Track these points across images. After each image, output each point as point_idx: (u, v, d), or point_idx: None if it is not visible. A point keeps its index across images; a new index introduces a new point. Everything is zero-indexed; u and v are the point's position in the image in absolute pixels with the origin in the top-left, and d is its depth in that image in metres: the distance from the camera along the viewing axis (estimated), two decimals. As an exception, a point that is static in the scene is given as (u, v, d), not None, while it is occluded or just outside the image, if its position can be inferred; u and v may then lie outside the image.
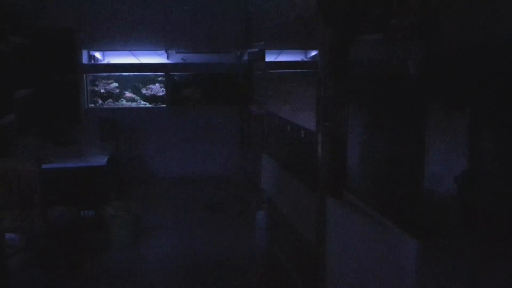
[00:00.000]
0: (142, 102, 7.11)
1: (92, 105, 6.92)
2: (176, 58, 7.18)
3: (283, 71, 4.12)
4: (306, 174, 3.24)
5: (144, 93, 7.15)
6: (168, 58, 7.16)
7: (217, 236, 4.73)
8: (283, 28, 3.96)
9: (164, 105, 7.01)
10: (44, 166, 4.01)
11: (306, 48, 3.62)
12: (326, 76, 2.88)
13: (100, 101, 6.98)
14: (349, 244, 2.47)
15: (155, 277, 3.91)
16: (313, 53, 3.59)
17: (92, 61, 7.03)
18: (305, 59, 3.82)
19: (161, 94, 7.11)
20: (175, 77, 7.12)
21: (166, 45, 6.96)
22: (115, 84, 7.11)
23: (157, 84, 7.18)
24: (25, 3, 6.06)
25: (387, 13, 2.42)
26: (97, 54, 7.11)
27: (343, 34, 2.83)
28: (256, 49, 5.70)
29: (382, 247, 2.16)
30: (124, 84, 7.15)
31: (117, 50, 6.94)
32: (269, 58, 4.44)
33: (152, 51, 7.00)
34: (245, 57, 6.93)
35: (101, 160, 4.80)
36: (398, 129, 2.17)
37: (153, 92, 7.15)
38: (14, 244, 4.08)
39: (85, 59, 6.80)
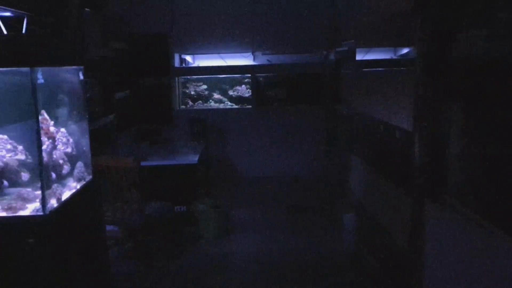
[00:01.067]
0: (229, 103, 7.30)
1: (183, 106, 7.23)
2: (262, 59, 7.29)
3: (374, 69, 4.02)
4: (400, 176, 3.14)
5: (231, 95, 7.34)
6: (254, 60, 7.28)
7: (302, 236, 4.73)
8: (374, 26, 3.87)
9: (250, 106, 7.14)
10: (142, 163, 4.25)
11: (399, 45, 3.51)
12: (423, 74, 2.77)
13: (190, 103, 7.28)
14: (450, 250, 2.35)
15: (241, 272, 3.99)
16: (405, 50, 3.48)
17: (184, 65, 7.34)
18: (394, 57, 3.70)
19: (247, 95, 7.26)
20: (261, 78, 7.23)
21: (252, 47, 7.09)
22: (204, 86, 7.37)
23: (243, 86, 7.34)
24: (124, 10, 6.47)
25: (493, 6, 2.28)
26: (188, 58, 7.41)
27: (442, 30, 2.71)
28: (344, 48, 5.62)
29: (487, 255, 2.03)
30: (213, 86, 7.39)
31: (206, 54, 7.19)
32: (357, 56, 4.36)
33: (239, 54, 7.16)
34: (332, 57, 6.85)
35: (193, 158, 4.99)
36: (504, 129, 2.03)
37: (239, 93, 7.32)
38: (114, 235, 4.37)
39: (177, 63, 7.12)
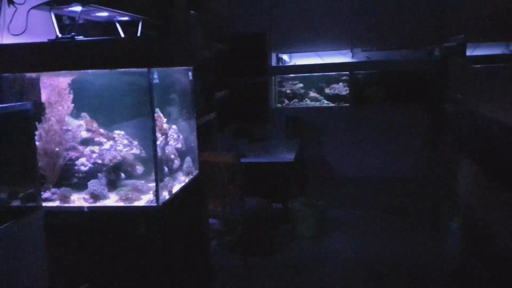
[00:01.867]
0: (325, 101, 7.24)
1: (279, 105, 7.30)
2: (361, 56, 7.13)
3: (487, 65, 3.76)
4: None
5: (328, 93, 7.28)
6: (352, 57, 7.15)
7: (401, 240, 4.56)
8: (489, 20, 3.61)
9: (347, 105, 7.02)
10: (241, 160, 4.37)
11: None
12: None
13: (286, 101, 7.33)
14: None
15: (336, 272, 3.95)
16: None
17: (280, 63, 7.42)
18: (507, 52, 3.43)
19: (344, 93, 7.15)
20: (359, 76, 7.08)
21: (351, 44, 6.96)
22: (300, 85, 7.38)
23: (340, 84, 7.24)
24: (224, 11, 6.69)
25: None
26: (285, 56, 7.47)
27: None
28: (453, 43, 5.31)
29: None
30: (309, 84, 7.37)
31: (303, 52, 7.19)
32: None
33: (337, 51, 7.07)
34: (437, 52, 6.51)
35: (289, 156, 5.03)
36: None
37: (336, 91, 7.23)
38: (214, 228, 4.55)
39: (273, 62, 7.21)
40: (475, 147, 3.89)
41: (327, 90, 7.29)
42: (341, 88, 7.20)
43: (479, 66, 3.93)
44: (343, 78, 7.18)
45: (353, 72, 6.97)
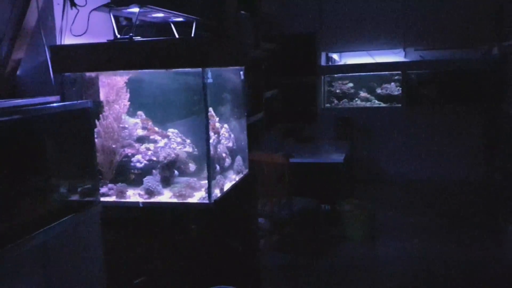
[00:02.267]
0: (376, 101, 7.11)
1: (328, 105, 7.23)
2: (414, 55, 6.94)
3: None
4: None
5: (379, 93, 7.13)
6: (405, 56, 6.97)
7: (454, 245, 4.40)
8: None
9: (399, 105, 6.86)
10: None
11: None
12: None
13: (335, 101, 7.25)
14: None
15: (387, 276, 3.87)
16: None
17: (330, 63, 7.35)
18: None
19: (396, 93, 6.98)
20: (413, 76, 6.89)
21: (404, 43, 6.80)
22: (350, 84, 7.28)
23: (392, 83, 7.08)
24: (275, 11, 6.70)
25: None
26: (335, 56, 7.39)
27: None
28: (512, 42, 5.08)
29: None
30: (359, 84, 7.26)
31: (354, 51, 7.09)
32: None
33: (389, 50, 6.92)
34: (494, 52, 6.25)
35: (338, 157, 4.97)
36: None
37: (388, 91, 7.08)
38: (262, 227, 4.56)
39: (323, 61, 7.15)
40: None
41: (378, 90, 7.15)
42: (393, 88, 7.04)
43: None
44: (395, 77, 7.01)
45: (406, 71, 6.79)
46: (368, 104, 7.10)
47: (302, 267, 4.07)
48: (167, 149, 2.62)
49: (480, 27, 6.28)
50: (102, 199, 2.31)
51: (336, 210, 4.76)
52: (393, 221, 5.13)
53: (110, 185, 2.55)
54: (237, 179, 2.80)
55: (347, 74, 7.24)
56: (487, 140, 6.27)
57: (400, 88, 6.89)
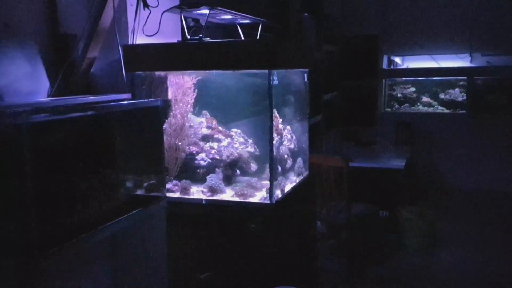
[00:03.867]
0: (439, 107, 6.87)
1: (389, 109, 7.07)
2: (480, 61, 6.65)
3: None
4: None
5: (442, 98, 6.89)
6: (471, 61, 6.70)
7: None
8: None
9: (463, 111, 6.59)
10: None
11: None
12: None
13: (396, 105, 7.08)
14: None
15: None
16: None
17: (392, 66, 7.18)
18: None
19: (460, 99, 6.72)
20: (479, 82, 6.60)
21: (470, 48, 6.53)
22: (412, 89, 7.08)
23: (456, 89, 6.82)
24: (337, 13, 6.63)
25: None
26: (397, 59, 7.22)
27: None
28: None
29: None
30: (422, 88, 7.04)
31: (417, 55, 6.89)
32: None
33: (454, 54, 6.67)
34: None
35: (400, 163, 4.85)
36: None
37: (452, 97, 6.82)
38: (319, 231, 4.53)
39: (385, 64, 7.00)
40: None
41: (441, 96, 6.91)
42: (457, 94, 6.78)
43: None
44: (460, 83, 6.75)
45: (472, 77, 6.51)
46: (430, 110, 6.87)
47: (357, 273, 4.00)
48: (230, 149, 2.67)
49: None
50: (167, 194, 2.38)
51: (395, 217, 4.64)
52: (453, 230, 4.94)
53: (174, 182, 2.63)
54: (297, 180, 2.80)
55: (409, 78, 7.05)
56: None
57: (465, 94, 6.61)
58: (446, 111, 6.76)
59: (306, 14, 4.98)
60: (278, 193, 2.49)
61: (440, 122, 6.63)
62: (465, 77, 6.57)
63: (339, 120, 6.74)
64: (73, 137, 1.79)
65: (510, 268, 4.04)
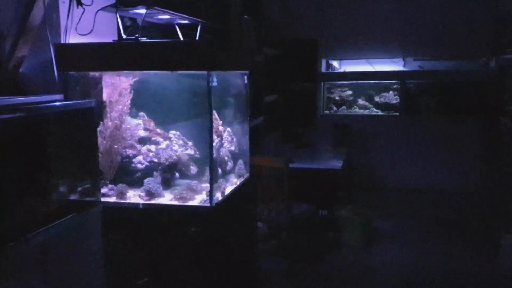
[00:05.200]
0: (375, 109, 7.13)
1: (327, 111, 7.25)
2: (413, 65, 6.99)
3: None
4: None
5: (377, 101, 7.16)
6: (404, 65, 7.02)
7: (451, 254, 4.41)
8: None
9: (397, 114, 6.89)
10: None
11: None
12: None
13: (334, 108, 7.27)
14: None
15: (382, 284, 3.87)
16: None
17: (330, 70, 7.37)
18: None
19: (394, 102, 7.02)
20: (411, 85, 6.93)
21: (403, 53, 6.84)
22: (350, 92, 7.30)
23: (390, 92, 7.11)
24: (277, 16, 6.72)
25: None
26: (335, 63, 7.42)
27: None
28: (511, 56, 5.12)
29: None
30: (358, 91, 7.29)
31: (353, 59, 7.12)
32: None
33: (388, 59, 6.96)
34: (492, 64, 6.30)
35: (337, 163, 4.98)
36: None
37: (386, 100, 7.11)
38: (260, 232, 4.55)
39: (323, 68, 7.17)
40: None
41: (376, 98, 7.18)
42: (391, 97, 7.07)
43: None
44: (394, 86, 7.05)
45: (405, 81, 6.83)
46: (366, 112, 7.12)
47: (298, 272, 4.06)
48: (168, 151, 2.62)
49: (479, 39, 6.35)
50: (102, 199, 2.30)
51: (333, 216, 4.76)
52: (390, 228, 5.14)
53: (110, 186, 2.54)
54: (238, 183, 2.79)
55: (346, 82, 7.27)
56: (484, 151, 6.30)
57: (398, 97, 6.92)
58: (380, 113, 7.03)
59: (246, 16, 5.00)
60: (218, 196, 2.47)
61: (376, 124, 6.89)
62: (399, 81, 6.87)
63: (280, 122, 6.83)
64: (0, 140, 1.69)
65: (443, 263, 4.24)
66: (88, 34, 2.57)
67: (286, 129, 6.90)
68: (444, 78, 6.72)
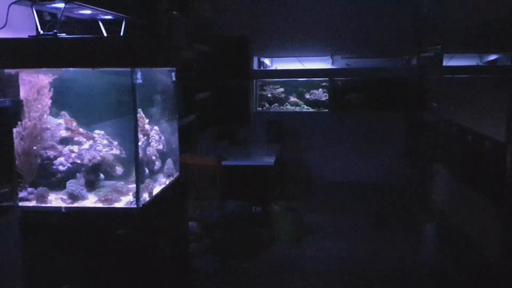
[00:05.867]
0: (305, 106, 7.30)
1: (260, 108, 7.32)
2: (340, 63, 7.21)
3: (462, 76, 3.85)
4: (490, 187, 2.98)
5: (308, 98, 7.33)
6: (332, 63, 7.23)
7: (378, 244, 4.62)
8: (465, 31, 3.70)
9: (326, 110, 7.09)
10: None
11: (491, 52, 3.34)
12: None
13: (267, 105, 7.36)
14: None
15: (315, 276, 3.98)
16: (492, 57, 3.31)
17: (262, 67, 7.44)
18: (480, 64, 3.53)
19: (324, 99, 7.21)
20: (339, 82, 7.16)
21: (331, 51, 7.05)
22: (281, 89, 7.42)
23: (320, 89, 7.30)
24: (207, 13, 6.68)
25: None
26: (266, 61, 7.50)
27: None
28: (430, 53, 5.42)
29: None
30: (290, 89, 7.42)
31: (284, 57, 7.23)
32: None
33: (318, 57, 7.14)
34: (414, 62, 6.64)
35: (269, 160, 5.04)
36: None
37: (316, 97, 7.29)
38: (193, 231, 4.52)
39: (255, 65, 7.23)
40: (449, 155, 3.98)
41: (307, 96, 7.35)
42: (320, 94, 7.26)
43: (454, 76, 4.02)
44: (323, 84, 7.25)
45: (333, 78, 7.05)
46: (297, 109, 7.27)
47: (233, 269, 4.07)
48: (92, 152, 2.52)
49: (401, 38, 6.68)
50: (21, 204, 2.18)
51: (267, 212, 4.81)
52: (322, 221, 5.28)
53: (30, 189, 2.41)
54: (167, 182, 2.75)
55: (278, 79, 7.38)
56: (407, 145, 6.65)
57: (327, 94, 7.13)
58: (311, 110, 7.21)
59: (175, 12, 4.93)
60: (145, 197, 2.42)
61: (307, 120, 7.05)
62: (327, 78, 7.07)
63: (214, 119, 6.80)
64: None
65: (373, 254, 4.42)
66: (1, 29, 2.41)
67: (220, 126, 6.88)
68: (370, 75, 7.01)
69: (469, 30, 3.61)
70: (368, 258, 4.32)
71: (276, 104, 7.35)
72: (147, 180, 2.49)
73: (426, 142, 5.42)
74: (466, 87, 3.70)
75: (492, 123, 2.98)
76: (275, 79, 7.38)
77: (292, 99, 7.37)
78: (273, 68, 7.54)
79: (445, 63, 4.21)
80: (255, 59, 7.22)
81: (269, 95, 7.40)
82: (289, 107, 7.32)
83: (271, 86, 7.44)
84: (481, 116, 3.22)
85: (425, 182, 4.94)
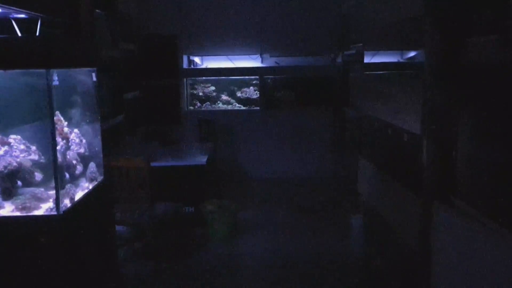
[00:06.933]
0: (237, 104, 7.34)
1: (191, 107, 7.27)
2: (270, 61, 7.32)
3: (382, 72, 4.04)
4: (408, 178, 3.16)
5: (239, 96, 7.38)
6: (262, 62, 7.32)
7: (310, 238, 4.75)
8: (384, 30, 3.89)
9: (257, 108, 7.17)
10: (151, 163, 4.28)
11: (406, 48, 3.53)
12: (433, 78, 2.79)
13: (198, 104, 7.32)
14: (459, 251, 2.37)
15: (249, 273, 4.02)
16: (411, 54, 3.50)
17: (192, 66, 7.38)
18: (401, 60, 3.73)
19: (255, 97, 7.29)
20: (269, 80, 7.26)
21: (260, 49, 7.13)
22: (212, 88, 7.41)
23: (251, 87, 7.37)
24: (134, 11, 6.52)
25: (503, 13, 2.30)
26: (197, 59, 7.45)
27: (452, 35, 2.73)
28: (352, 51, 5.64)
29: (497, 256, 2.05)
30: (221, 87, 7.43)
31: (214, 55, 7.22)
32: (364, 59, 4.40)
33: (247, 56, 7.20)
34: (339, 59, 6.88)
35: (201, 159, 5.02)
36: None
37: (247, 95, 7.36)
38: (123, 235, 4.41)
39: (185, 64, 7.16)
40: (372, 148, 4.17)
41: (238, 94, 7.39)
42: (251, 92, 7.33)
43: (374, 72, 4.21)
44: (254, 82, 7.32)
45: (263, 76, 7.14)
46: (229, 107, 7.30)
47: (166, 272, 4.02)
48: (7, 158, 2.39)
49: (326, 37, 6.89)
50: None
51: (200, 212, 4.79)
52: (255, 218, 5.34)
53: None
54: (90, 187, 2.66)
55: (209, 78, 7.35)
56: (334, 139, 6.89)
57: (258, 92, 7.22)
58: (243, 108, 7.26)
59: (98, 10, 4.77)
60: (67, 203, 2.33)
61: (238, 118, 7.10)
62: (257, 76, 7.16)
63: (143, 119, 6.66)
64: None
65: (303, 246, 4.53)
66: None
67: (150, 126, 6.76)
68: (298, 73, 7.18)
69: (387, 28, 3.79)
70: (297, 252, 4.42)
71: (208, 102, 7.33)
72: (67, 186, 2.40)
73: (350, 137, 5.64)
74: (386, 83, 3.89)
75: (410, 118, 3.15)
76: (206, 78, 7.36)
77: (224, 97, 7.39)
78: (203, 66, 7.51)
79: (369, 60, 4.39)
80: (185, 58, 7.15)
81: (200, 93, 7.37)
82: (221, 106, 7.33)
83: (202, 85, 7.41)
84: (400, 110, 3.40)
85: (351, 175, 5.14)
